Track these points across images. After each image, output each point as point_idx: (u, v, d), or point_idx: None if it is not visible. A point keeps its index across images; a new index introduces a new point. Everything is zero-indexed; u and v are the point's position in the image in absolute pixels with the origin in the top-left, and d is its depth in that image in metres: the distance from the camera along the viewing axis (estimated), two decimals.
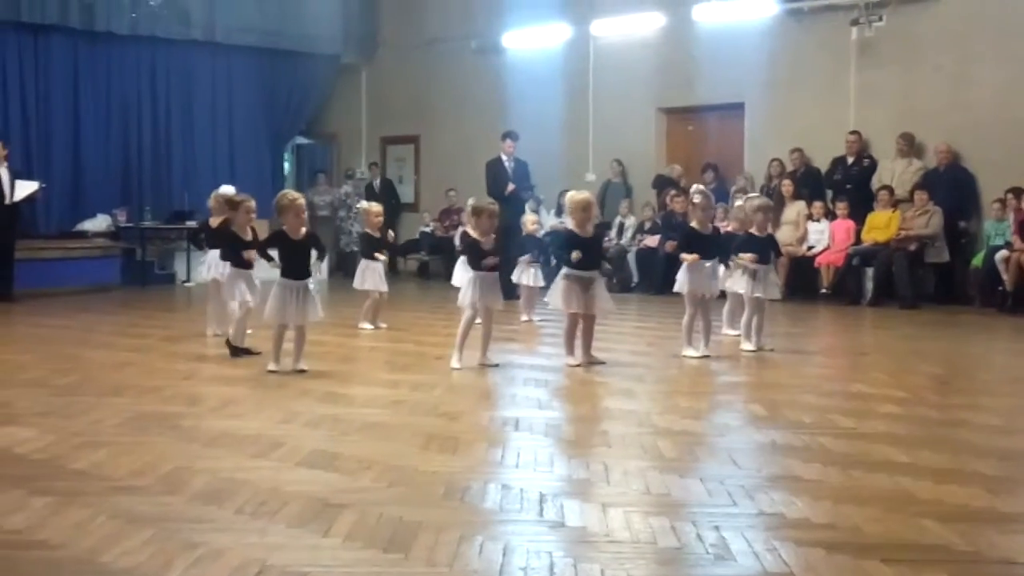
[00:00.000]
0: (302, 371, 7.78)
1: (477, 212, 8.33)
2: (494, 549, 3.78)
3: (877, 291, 13.73)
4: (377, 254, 10.74)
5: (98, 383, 7.41)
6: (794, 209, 14.75)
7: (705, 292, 8.85)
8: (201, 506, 4.31)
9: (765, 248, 9.25)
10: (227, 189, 9.54)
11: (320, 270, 7.79)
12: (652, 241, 15.63)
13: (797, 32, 15.28)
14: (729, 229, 10.09)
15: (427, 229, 19.12)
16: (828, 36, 14.95)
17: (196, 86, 19.01)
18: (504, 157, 14.53)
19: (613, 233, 16.46)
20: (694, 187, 9.51)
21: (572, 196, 8.44)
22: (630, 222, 16.49)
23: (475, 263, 8.19)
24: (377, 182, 19.84)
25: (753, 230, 9.30)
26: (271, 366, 7.84)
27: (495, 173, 14.45)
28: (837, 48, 14.88)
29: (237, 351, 8.56)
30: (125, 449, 5.30)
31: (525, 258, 11.14)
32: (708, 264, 8.85)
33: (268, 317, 7.87)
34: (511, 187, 14.01)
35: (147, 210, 17.73)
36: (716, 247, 9.02)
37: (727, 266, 9.29)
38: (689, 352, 8.76)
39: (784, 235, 14.59)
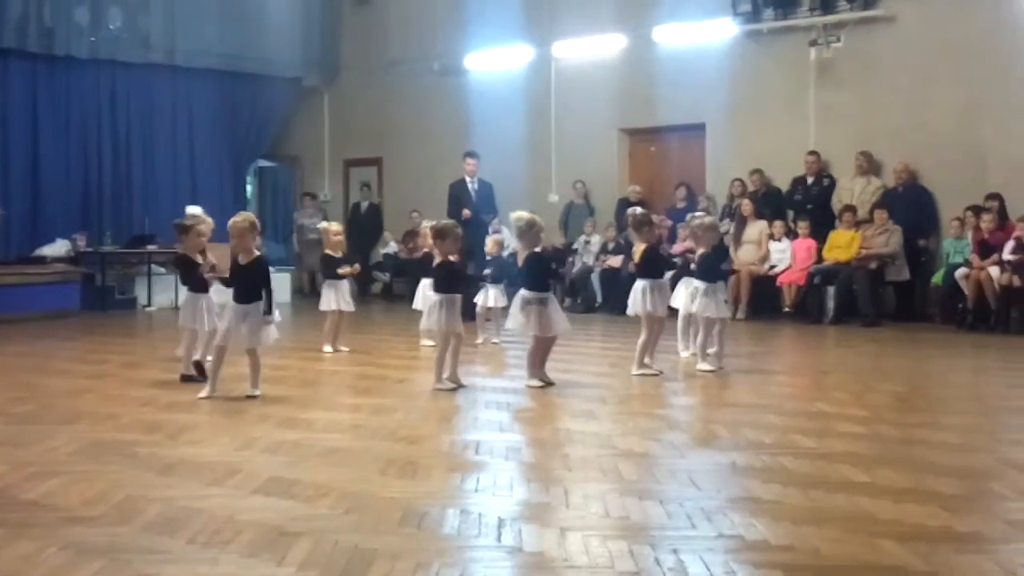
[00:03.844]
0: (252, 397, 7.67)
1: (441, 235, 8.32)
2: None
3: (839, 309, 13.81)
4: (340, 270, 10.71)
5: (54, 411, 7.31)
6: (756, 229, 14.81)
7: (659, 312, 8.95)
8: (153, 536, 4.24)
9: (714, 266, 9.32)
10: (193, 210, 9.45)
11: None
12: (615, 262, 15.64)
13: (756, 53, 15.39)
14: (686, 247, 10.15)
15: (391, 251, 19.06)
16: (787, 57, 15.07)
17: (157, 110, 18.91)
18: (468, 179, 14.51)
19: (577, 254, 16.49)
20: (633, 208, 9.61)
21: (521, 216, 8.41)
22: (594, 242, 16.50)
23: (447, 285, 8.17)
24: (365, 205, 19.75)
25: (702, 249, 9.34)
26: (203, 393, 7.72)
27: (457, 196, 14.43)
28: (796, 69, 14.99)
29: (186, 377, 8.47)
30: (78, 478, 5.21)
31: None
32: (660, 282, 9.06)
33: (217, 340, 7.81)
34: (466, 213, 13.92)
35: (107, 234, 17.57)
36: (664, 265, 9.15)
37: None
38: (643, 371, 8.85)
39: (746, 255, 14.67)
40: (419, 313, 9.61)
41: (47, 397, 7.99)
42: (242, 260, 7.76)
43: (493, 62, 18.10)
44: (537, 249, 8.34)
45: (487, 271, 11.19)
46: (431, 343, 10.71)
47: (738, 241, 14.80)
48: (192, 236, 8.60)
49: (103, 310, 16.21)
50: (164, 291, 16.79)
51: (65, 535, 4.22)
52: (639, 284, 8.98)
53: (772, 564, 3.85)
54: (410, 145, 19.18)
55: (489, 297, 11.17)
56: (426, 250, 10.52)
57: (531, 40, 17.57)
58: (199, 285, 8.52)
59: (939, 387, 9.02)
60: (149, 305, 16.93)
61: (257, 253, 7.87)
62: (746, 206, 14.80)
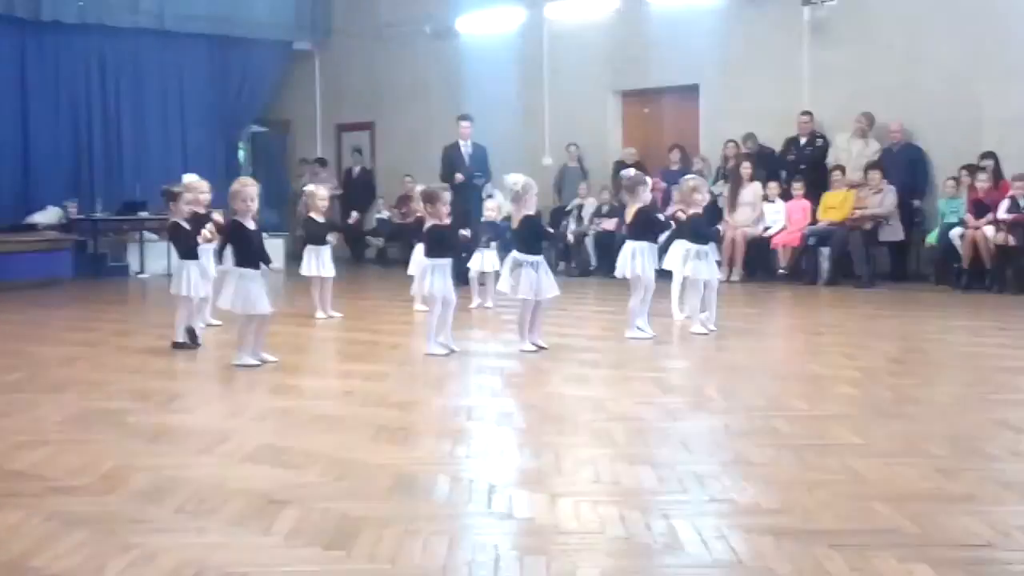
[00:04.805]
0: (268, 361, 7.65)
1: (431, 199, 8.26)
2: (439, 543, 3.71)
3: (833, 271, 13.76)
4: (329, 236, 10.65)
5: (43, 379, 7.27)
6: (750, 191, 14.73)
7: (649, 273, 8.91)
8: (140, 505, 4.21)
9: (705, 227, 9.27)
10: (189, 177, 9.39)
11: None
12: (610, 224, 15.56)
13: (750, 12, 15.23)
14: (674, 211, 10.08)
15: (384, 216, 18.97)
16: (781, 16, 14.91)
17: (146, 75, 18.71)
18: (461, 142, 14.41)
19: (571, 217, 16.42)
20: (626, 170, 9.56)
21: (516, 179, 8.35)
22: (588, 205, 16.42)
23: (437, 250, 8.10)
24: (357, 169, 19.61)
25: (693, 210, 9.29)
26: (245, 360, 7.59)
27: (450, 159, 14.34)
28: (790, 28, 14.85)
29: (178, 344, 8.43)
30: (66, 447, 5.18)
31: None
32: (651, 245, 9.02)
33: (235, 308, 7.62)
34: (459, 177, 13.84)
35: (99, 201, 17.43)
36: (657, 227, 9.10)
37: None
38: (637, 334, 8.83)
39: (741, 216, 14.60)
40: (413, 278, 9.58)
41: (37, 365, 7.95)
42: (252, 225, 7.69)
43: (485, 24, 17.92)
44: (531, 212, 8.28)
45: (486, 236, 11.13)
46: (424, 308, 10.68)
47: (733, 203, 14.72)
48: (180, 203, 8.54)
49: (95, 277, 16.13)
50: (157, 258, 16.68)
51: (51, 505, 4.19)
52: (629, 246, 8.95)
53: (763, 528, 3.82)
54: (403, 109, 19.03)
55: (483, 261, 11.12)
56: (419, 215, 10.45)
57: (523, 1, 17.38)
58: (190, 252, 8.48)
59: (933, 348, 9.00)
60: (142, 272, 16.83)
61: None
62: (745, 168, 14.71)
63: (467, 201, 12.46)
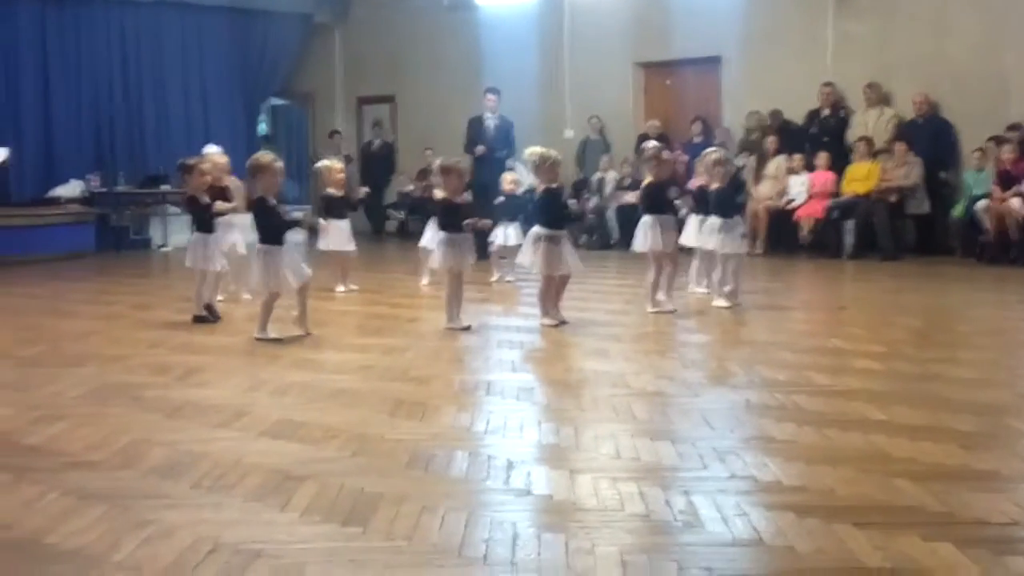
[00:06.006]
0: (309, 334, 7.71)
1: (446, 171, 8.18)
2: (456, 520, 3.67)
3: (857, 244, 13.64)
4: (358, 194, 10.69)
5: (62, 353, 7.26)
6: (774, 163, 14.61)
7: (666, 248, 8.82)
8: (157, 481, 4.19)
9: (729, 201, 9.17)
10: (210, 148, 9.37)
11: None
12: (632, 197, 15.44)
13: None
14: (699, 183, 9.98)
15: (406, 189, 18.89)
16: None
17: (167, 48, 18.67)
18: (488, 114, 14.31)
19: (593, 190, 16.33)
20: (646, 143, 9.46)
21: (535, 151, 8.28)
22: (610, 178, 16.32)
23: (449, 223, 8.03)
24: (377, 143, 19.54)
25: (717, 183, 9.20)
26: (270, 334, 7.59)
27: (474, 131, 14.28)
28: None
29: (199, 318, 8.44)
30: (83, 422, 5.16)
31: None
32: (669, 219, 8.94)
33: (262, 287, 7.64)
34: (480, 149, 13.79)
35: (121, 175, 17.46)
36: (666, 203, 8.99)
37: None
38: (658, 308, 8.77)
39: (765, 189, 14.49)
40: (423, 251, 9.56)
41: (56, 339, 7.95)
42: (273, 200, 7.67)
43: None
44: (553, 185, 8.21)
45: (499, 200, 11.06)
46: (426, 282, 10.67)
47: (759, 176, 14.60)
48: (195, 176, 8.50)
49: (118, 251, 16.18)
50: (179, 231, 16.67)
51: (67, 480, 4.18)
52: (644, 220, 8.87)
53: (784, 505, 3.77)
54: (423, 82, 18.94)
55: (505, 235, 11.06)
56: (431, 187, 10.41)
57: None
58: (206, 225, 8.46)
59: (958, 322, 8.90)
60: (164, 245, 16.87)
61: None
62: (770, 142, 14.58)
63: (488, 174, 12.39)
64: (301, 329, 7.76)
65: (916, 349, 7.24)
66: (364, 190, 11.18)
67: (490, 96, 14.38)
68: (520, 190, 11.54)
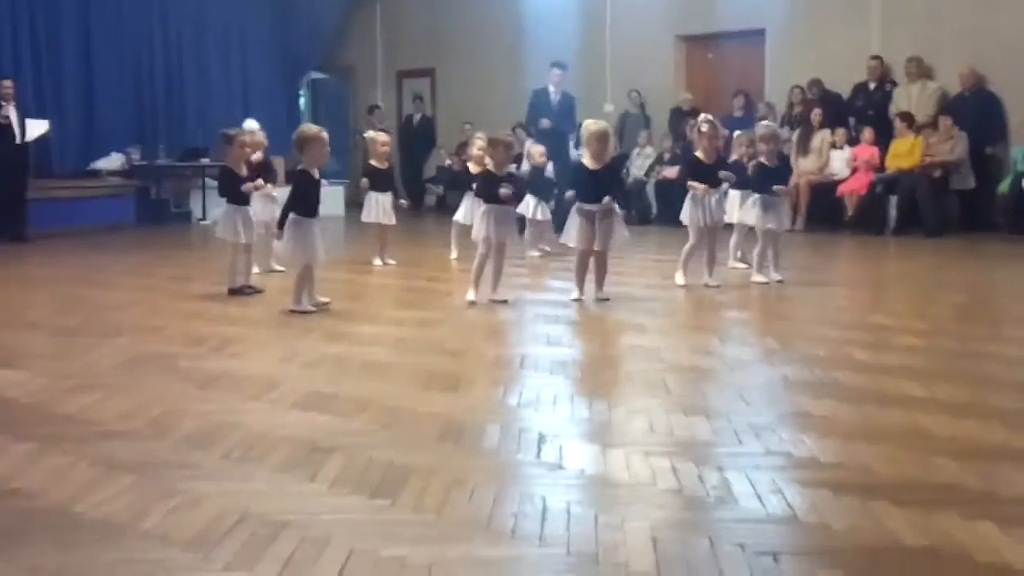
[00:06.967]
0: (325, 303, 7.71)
1: (493, 144, 8.15)
2: (485, 494, 3.62)
3: (901, 219, 13.45)
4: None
5: (99, 324, 7.28)
6: (818, 137, 14.42)
7: (709, 222, 8.75)
8: (187, 451, 4.17)
9: (775, 177, 9.04)
10: (250, 124, 9.37)
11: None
12: (671, 172, 15.34)
13: None
14: (735, 158, 9.88)
15: (445, 164, 18.85)
16: None
17: (208, 20, 18.74)
18: (552, 88, 14.12)
19: (632, 164, 16.20)
20: (700, 116, 9.35)
21: (588, 125, 8.19)
22: (649, 153, 16.19)
23: (488, 194, 7.96)
24: (418, 117, 19.47)
25: (763, 159, 9.07)
26: (303, 306, 7.56)
27: (536, 105, 14.05)
28: None
29: (234, 291, 8.43)
30: (116, 392, 5.16)
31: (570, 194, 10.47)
32: (714, 193, 8.84)
33: (294, 258, 7.63)
34: (545, 122, 13.61)
35: (161, 148, 17.54)
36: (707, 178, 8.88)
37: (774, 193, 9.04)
38: (679, 279, 8.78)
39: (808, 163, 14.31)
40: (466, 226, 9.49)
41: (94, 310, 7.98)
42: (317, 174, 7.64)
43: None
44: (592, 160, 8.03)
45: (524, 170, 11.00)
46: (455, 255, 10.64)
47: (803, 150, 14.42)
48: (235, 147, 8.49)
49: (158, 223, 16.24)
50: (219, 204, 16.65)
51: (98, 450, 4.17)
52: (690, 193, 8.83)
53: (820, 482, 3.69)
54: (463, 55, 18.85)
55: (535, 209, 10.99)
56: (468, 162, 10.37)
57: None
58: (239, 197, 8.45)
59: (1003, 298, 8.74)
60: (204, 219, 16.92)
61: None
62: (815, 115, 14.39)
63: (553, 148, 12.22)
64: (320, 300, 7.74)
65: (959, 326, 7.11)
66: (402, 203, 10.92)
67: (556, 71, 14.11)
68: (545, 163, 11.47)
